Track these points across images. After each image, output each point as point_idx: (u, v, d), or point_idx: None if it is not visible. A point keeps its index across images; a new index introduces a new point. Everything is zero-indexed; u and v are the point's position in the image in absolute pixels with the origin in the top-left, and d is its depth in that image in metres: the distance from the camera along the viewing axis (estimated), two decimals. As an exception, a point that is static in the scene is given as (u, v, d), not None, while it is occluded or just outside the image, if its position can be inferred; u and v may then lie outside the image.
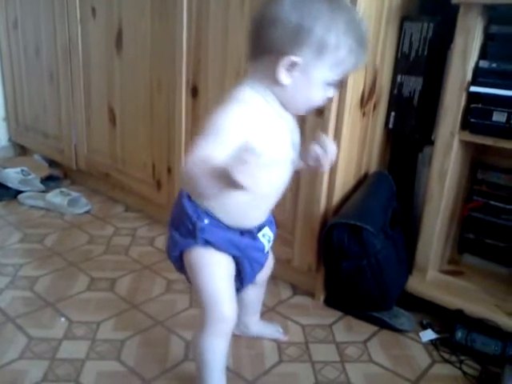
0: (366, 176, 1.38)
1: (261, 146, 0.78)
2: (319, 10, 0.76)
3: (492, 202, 1.33)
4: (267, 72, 0.80)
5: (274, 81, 0.80)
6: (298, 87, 0.81)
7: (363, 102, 1.26)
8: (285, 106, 0.85)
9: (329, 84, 0.82)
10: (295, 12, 0.76)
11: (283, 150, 0.86)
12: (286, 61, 0.78)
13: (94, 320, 1.25)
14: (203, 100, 1.47)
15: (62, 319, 1.25)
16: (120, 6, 1.66)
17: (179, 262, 0.95)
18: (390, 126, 1.36)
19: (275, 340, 1.21)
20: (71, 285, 1.41)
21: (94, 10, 1.76)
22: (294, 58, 0.77)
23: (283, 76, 0.79)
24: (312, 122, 1.21)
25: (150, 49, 1.60)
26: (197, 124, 1.49)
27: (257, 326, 1.21)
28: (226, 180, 0.65)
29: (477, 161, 1.34)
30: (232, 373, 1.09)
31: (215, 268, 0.91)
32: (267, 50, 0.80)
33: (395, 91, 1.32)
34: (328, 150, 0.88)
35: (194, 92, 1.48)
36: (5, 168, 2.09)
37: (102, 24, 1.75)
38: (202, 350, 0.94)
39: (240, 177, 0.63)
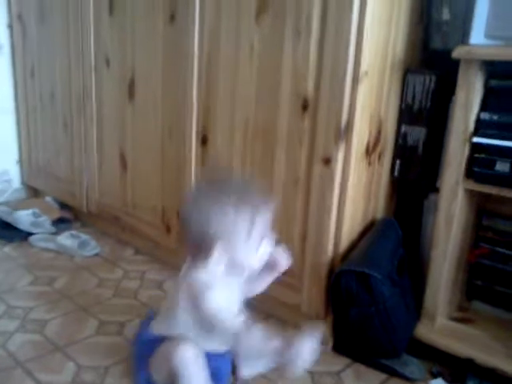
0: (372, 223, 1.41)
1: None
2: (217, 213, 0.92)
3: (499, 249, 1.34)
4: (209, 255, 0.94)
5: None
6: (236, 261, 0.95)
7: (369, 151, 1.29)
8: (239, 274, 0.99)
9: (257, 246, 0.95)
10: (198, 221, 0.94)
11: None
12: (214, 251, 0.93)
13: (103, 365, 1.26)
14: (212, 147, 1.51)
15: (71, 365, 1.26)
16: (133, 56, 1.73)
17: None
18: (396, 173, 1.40)
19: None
20: (80, 329, 1.42)
21: (107, 59, 1.83)
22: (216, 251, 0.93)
23: (219, 259, 0.94)
24: (319, 172, 1.25)
25: (161, 97, 1.66)
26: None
27: None
28: None
29: (482, 208, 1.35)
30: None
31: None
32: (198, 244, 0.95)
33: (400, 141, 1.36)
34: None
35: (204, 139, 1.53)
36: (16, 210, 2.13)
37: (116, 73, 1.81)
38: None
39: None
